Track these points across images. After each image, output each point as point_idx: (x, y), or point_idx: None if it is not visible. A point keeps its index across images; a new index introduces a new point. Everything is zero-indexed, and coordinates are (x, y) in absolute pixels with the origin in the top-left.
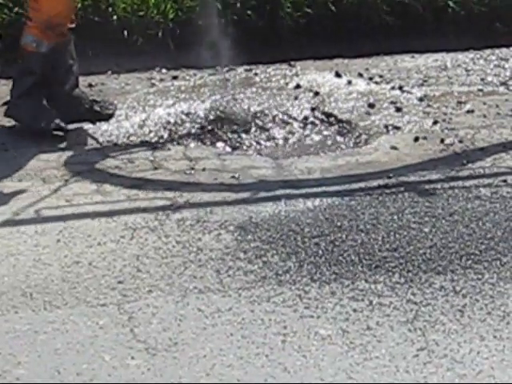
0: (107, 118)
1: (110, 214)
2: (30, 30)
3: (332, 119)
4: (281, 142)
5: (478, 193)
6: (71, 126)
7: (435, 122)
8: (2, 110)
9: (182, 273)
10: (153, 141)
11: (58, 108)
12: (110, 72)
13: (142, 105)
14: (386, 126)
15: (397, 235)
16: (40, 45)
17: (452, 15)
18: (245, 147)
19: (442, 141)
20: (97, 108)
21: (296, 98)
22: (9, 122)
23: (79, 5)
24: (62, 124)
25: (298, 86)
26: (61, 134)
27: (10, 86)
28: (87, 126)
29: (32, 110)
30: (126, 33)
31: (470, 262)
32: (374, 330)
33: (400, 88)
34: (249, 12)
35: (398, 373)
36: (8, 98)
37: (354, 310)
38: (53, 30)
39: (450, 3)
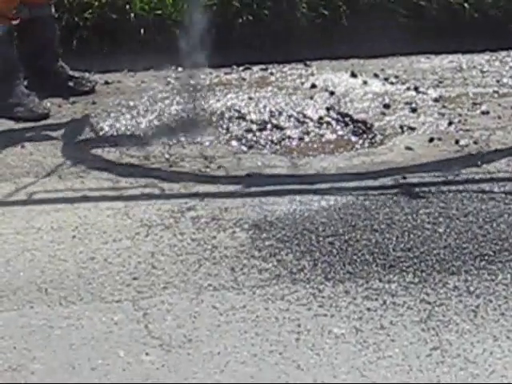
0: (81, 93)
1: (125, 210)
2: None
3: (347, 119)
4: (296, 141)
5: (493, 194)
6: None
7: (450, 123)
8: None
9: (197, 270)
10: (168, 138)
11: (33, 82)
12: (126, 70)
13: (158, 103)
14: (401, 127)
15: (411, 235)
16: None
17: (467, 17)
18: (260, 146)
19: (457, 142)
20: (70, 84)
21: (311, 98)
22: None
23: (96, 2)
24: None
25: (313, 86)
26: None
27: None
28: (103, 123)
29: (11, 98)
30: (142, 31)
31: (483, 262)
32: (387, 329)
33: (415, 89)
34: (265, 12)
35: (411, 372)
36: None
37: (368, 309)
38: (3, 17)
39: (465, 5)
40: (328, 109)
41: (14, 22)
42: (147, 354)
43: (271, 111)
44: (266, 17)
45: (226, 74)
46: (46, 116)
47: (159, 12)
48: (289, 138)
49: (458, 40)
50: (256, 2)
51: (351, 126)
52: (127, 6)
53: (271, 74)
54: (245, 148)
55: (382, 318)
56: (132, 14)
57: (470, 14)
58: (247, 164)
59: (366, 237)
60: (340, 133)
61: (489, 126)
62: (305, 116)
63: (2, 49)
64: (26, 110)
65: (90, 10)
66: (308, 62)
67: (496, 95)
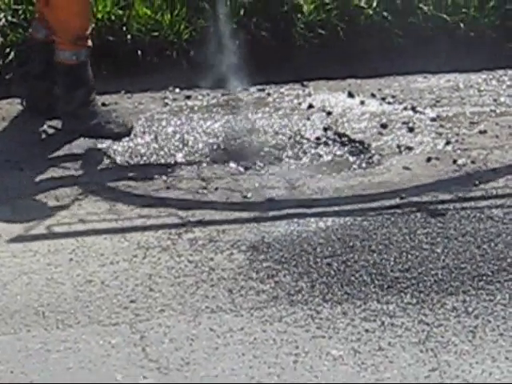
0: None
1: (122, 233)
2: (63, 45)
3: (345, 139)
4: (293, 161)
5: (491, 213)
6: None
7: (448, 143)
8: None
9: (195, 292)
10: (166, 160)
11: (33, 102)
12: (123, 91)
13: (155, 124)
14: (399, 147)
15: (409, 256)
16: (79, 55)
17: (464, 36)
18: (257, 167)
19: (455, 161)
20: None
21: (309, 118)
22: (21, 142)
23: (93, 25)
24: (129, 124)
25: (310, 106)
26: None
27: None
28: (101, 144)
29: (96, 118)
30: (139, 52)
31: (482, 282)
32: (385, 350)
33: (413, 108)
34: (263, 33)
35: None
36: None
37: (366, 331)
38: (83, 40)
39: (461, 25)
40: (325, 129)
41: (89, 43)
42: (145, 377)
43: (268, 132)
44: (264, 37)
45: (223, 94)
46: (133, 128)
47: (156, 33)
48: (286, 158)
49: (454, 59)
50: (253, 22)
51: (348, 146)
52: (124, 28)
53: (268, 94)
54: (242, 169)
55: (380, 340)
56: (129, 36)
57: (466, 34)
58: (244, 185)
59: (363, 257)
60: (337, 153)
61: (486, 145)
62: (302, 136)
63: (86, 73)
64: (118, 126)
65: None
66: (305, 83)
67: (493, 114)
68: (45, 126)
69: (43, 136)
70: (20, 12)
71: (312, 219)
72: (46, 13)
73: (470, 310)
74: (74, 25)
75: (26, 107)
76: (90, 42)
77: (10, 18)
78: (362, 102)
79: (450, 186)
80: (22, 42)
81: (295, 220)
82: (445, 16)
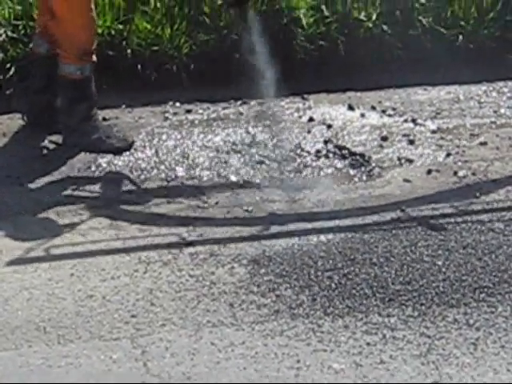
0: None
1: (123, 247)
2: (68, 59)
3: (345, 152)
4: (294, 175)
5: (492, 225)
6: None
7: (448, 155)
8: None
9: (196, 306)
10: (166, 174)
11: (33, 116)
12: (124, 106)
13: (156, 138)
14: (399, 159)
15: (410, 268)
16: (84, 70)
17: (463, 48)
18: (258, 180)
19: (455, 173)
20: None
21: (309, 132)
22: (15, 153)
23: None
24: (130, 138)
25: (311, 119)
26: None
27: (21, 119)
28: (102, 159)
29: (97, 133)
30: (140, 67)
31: (483, 294)
32: (387, 363)
33: (413, 121)
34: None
35: None
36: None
37: (368, 344)
38: (89, 55)
39: (460, 37)
40: (326, 142)
41: (94, 58)
42: None
43: (269, 145)
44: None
45: (223, 108)
46: (133, 143)
47: (156, 48)
48: (286, 171)
49: (454, 71)
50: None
51: (349, 159)
52: (124, 42)
53: (268, 107)
54: (242, 183)
55: (382, 353)
56: (129, 50)
57: (466, 46)
58: (245, 199)
59: (364, 270)
60: (338, 166)
61: (487, 157)
62: (302, 149)
63: (89, 88)
64: (118, 141)
65: None
66: (305, 96)
67: (494, 126)
68: (46, 142)
69: (44, 151)
70: (20, 27)
71: (313, 232)
72: (51, 26)
73: (472, 322)
74: (80, 38)
75: (26, 122)
76: (94, 58)
77: (10, 33)
78: (363, 115)
79: (451, 198)
80: (22, 57)
81: (296, 233)
82: (443, 29)
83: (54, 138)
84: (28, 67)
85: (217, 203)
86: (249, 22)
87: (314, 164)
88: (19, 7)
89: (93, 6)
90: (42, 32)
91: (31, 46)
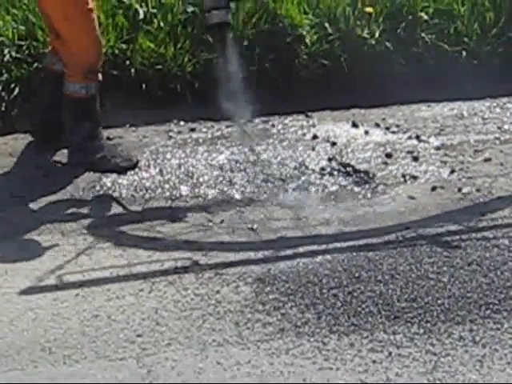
0: None
1: (128, 267)
2: (73, 78)
3: (349, 169)
4: (298, 192)
5: (496, 242)
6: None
7: (452, 171)
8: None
9: (201, 326)
10: (171, 193)
11: (41, 133)
12: (127, 125)
13: (160, 157)
14: (404, 176)
15: (415, 286)
16: (89, 89)
17: (466, 64)
18: (262, 198)
19: (460, 190)
20: None
21: (313, 149)
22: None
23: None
24: (134, 158)
25: (315, 137)
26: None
27: (25, 139)
28: (106, 178)
29: (101, 152)
30: (143, 86)
31: (488, 311)
32: (393, 381)
33: (417, 137)
34: (266, 65)
35: None
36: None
37: (373, 362)
38: (94, 73)
39: (463, 53)
40: (330, 159)
41: (99, 77)
42: None
43: (273, 163)
44: (267, 69)
45: (227, 126)
46: (138, 162)
47: (160, 67)
48: (291, 189)
49: (458, 87)
50: (257, 54)
51: (353, 177)
52: (127, 62)
53: (273, 125)
54: (247, 201)
55: (388, 370)
56: (132, 70)
57: (469, 62)
58: (250, 217)
59: (370, 288)
60: (342, 183)
61: (491, 173)
62: (306, 167)
63: (94, 107)
64: (124, 160)
65: None
66: (309, 113)
67: (498, 142)
68: (50, 161)
69: (48, 171)
70: (24, 48)
71: (318, 250)
72: (56, 46)
73: (478, 339)
74: (85, 58)
75: (34, 139)
76: (100, 77)
77: (14, 53)
78: (367, 132)
79: (456, 214)
80: (26, 77)
81: (301, 251)
82: (446, 46)
83: (59, 157)
84: (38, 84)
85: (221, 222)
86: (227, 48)
87: (318, 181)
88: (23, 27)
89: (97, 26)
90: (54, 50)
91: (44, 63)
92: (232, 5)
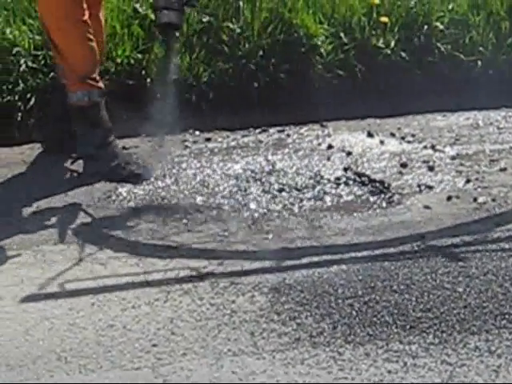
0: None
1: (143, 276)
2: (73, 87)
3: (365, 179)
4: (313, 202)
5: None
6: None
7: (468, 181)
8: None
9: (216, 335)
10: (186, 203)
11: (56, 143)
12: (143, 135)
13: (176, 167)
14: (419, 186)
15: (430, 295)
16: (91, 95)
17: (482, 74)
18: (278, 208)
19: (475, 199)
20: None
21: (328, 159)
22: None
23: (113, 69)
24: (148, 165)
25: (330, 147)
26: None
27: (41, 149)
28: (122, 188)
29: (116, 160)
30: (159, 95)
31: (504, 321)
32: None
33: (432, 147)
34: (281, 74)
35: None
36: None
37: (389, 372)
38: (92, 79)
39: (479, 62)
40: (345, 169)
41: (101, 85)
42: None
43: (288, 173)
44: (282, 79)
45: (243, 136)
46: (154, 171)
47: (175, 77)
48: (306, 199)
49: (473, 97)
50: (272, 64)
51: (369, 186)
52: (143, 72)
53: (288, 135)
54: (262, 210)
55: (403, 381)
56: (148, 80)
57: (485, 71)
58: (265, 227)
59: (385, 298)
60: (357, 193)
61: (507, 183)
62: (322, 177)
63: (99, 114)
64: (138, 168)
65: (107, 77)
66: (324, 123)
67: None
68: (66, 171)
69: (63, 180)
70: (40, 57)
71: (333, 260)
72: (55, 55)
73: (493, 349)
74: (80, 68)
75: (46, 150)
76: (101, 84)
77: (30, 63)
78: (382, 142)
79: (471, 224)
80: (42, 87)
81: (316, 261)
82: (461, 56)
83: (75, 167)
84: (50, 94)
85: (237, 231)
86: (170, 50)
87: (333, 191)
88: (39, 37)
89: (92, 36)
90: None
91: (55, 73)
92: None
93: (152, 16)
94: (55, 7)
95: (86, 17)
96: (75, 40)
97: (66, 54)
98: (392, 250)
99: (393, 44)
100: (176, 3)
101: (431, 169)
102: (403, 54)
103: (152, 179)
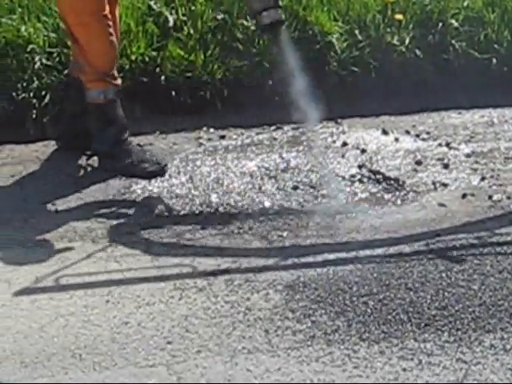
0: None
1: (158, 274)
2: (90, 85)
3: (379, 177)
4: (328, 199)
5: None
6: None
7: (483, 179)
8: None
9: (231, 333)
10: (200, 200)
11: (69, 141)
12: (158, 132)
13: (190, 164)
14: (434, 183)
15: (445, 293)
16: (107, 93)
17: (497, 71)
18: (292, 205)
19: (490, 197)
20: None
21: (343, 156)
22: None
23: (127, 66)
24: (162, 162)
25: (344, 144)
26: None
27: (56, 146)
28: (136, 185)
29: (130, 157)
30: (173, 93)
31: None
32: None
33: (447, 145)
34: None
35: None
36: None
37: (404, 370)
38: (110, 76)
39: (494, 60)
40: (360, 166)
41: (118, 82)
42: None
43: (303, 170)
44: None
45: (257, 133)
46: (167, 167)
47: (189, 74)
48: (321, 196)
49: (488, 94)
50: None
51: (383, 184)
52: (157, 69)
53: (302, 133)
54: (277, 208)
55: (418, 378)
56: (162, 77)
57: (500, 69)
58: (280, 224)
59: (400, 296)
60: (372, 190)
61: None
62: (337, 174)
63: (115, 112)
64: (152, 165)
65: (121, 74)
66: (339, 120)
67: None
68: (80, 168)
69: (78, 177)
70: (55, 55)
71: (348, 257)
72: (73, 50)
73: (509, 347)
74: (99, 64)
75: (60, 147)
76: (119, 81)
77: (44, 60)
78: (397, 139)
79: (486, 222)
80: (57, 84)
81: (331, 258)
82: (476, 53)
83: (90, 162)
84: (64, 91)
85: (251, 229)
86: (282, 46)
87: (348, 189)
88: (54, 35)
89: (112, 31)
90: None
91: (68, 70)
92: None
93: (166, 13)
94: (76, 1)
95: (107, 11)
96: (97, 35)
97: (86, 50)
98: (407, 247)
99: (407, 41)
100: (272, 0)
101: (446, 166)
102: (418, 52)
103: (166, 176)
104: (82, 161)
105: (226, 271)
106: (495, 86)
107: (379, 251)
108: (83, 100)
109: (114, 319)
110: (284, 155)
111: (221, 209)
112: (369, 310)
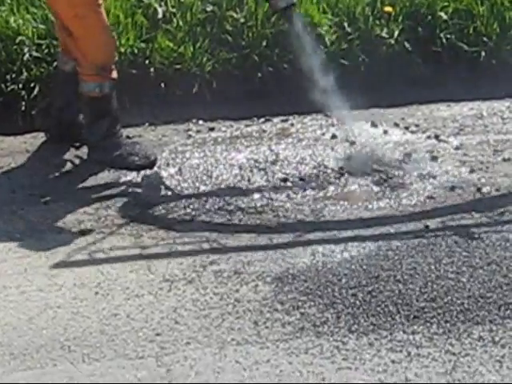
0: None
1: (147, 265)
2: (86, 77)
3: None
4: (317, 192)
5: None
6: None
7: (472, 171)
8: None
9: (220, 325)
10: (190, 192)
11: (56, 133)
12: (147, 124)
13: (179, 156)
14: (423, 176)
15: (434, 285)
16: (103, 87)
17: (486, 64)
18: (281, 197)
19: (479, 190)
20: None
21: (332, 149)
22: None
23: (116, 58)
24: (152, 156)
25: (334, 137)
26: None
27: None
28: (125, 177)
29: (119, 150)
30: (163, 85)
31: (508, 311)
32: (412, 381)
33: (436, 137)
34: (285, 64)
35: None
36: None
37: (393, 362)
38: (106, 70)
39: (483, 53)
40: (349, 159)
41: (114, 75)
42: None
43: (292, 162)
44: (286, 69)
45: (246, 126)
46: (156, 160)
47: (179, 66)
48: (310, 189)
49: (477, 87)
50: (276, 54)
51: (372, 176)
52: (147, 61)
53: (292, 125)
54: (266, 200)
55: (407, 370)
56: (152, 69)
57: (488, 61)
58: (269, 216)
59: (389, 288)
60: (361, 183)
61: (510, 173)
62: (326, 167)
63: (109, 105)
64: (141, 158)
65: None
66: (328, 113)
67: None
68: (69, 158)
69: (67, 169)
70: (44, 46)
71: (337, 250)
72: (68, 43)
73: (497, 339)
74: (97, 56)
75: (49, 139)
76: (114, 74)
77: (34, 52)
78: (386, 132)
79: (475, 214)
80: (46, 76)
81: (320, 251)
82: (465, 46)
83: (79, 153)
84: (52, 84)
85: (240, 221)
86: (295, 24)
87: (337, 181)
88: (43, 26)
89: (108, 24)
90: (64, 50)
91: (56, 63)
92: (252, 4)
93: (155, 5)
94: None
95: (101, 0)
96: (95, 26)
97: (83, 43)
98: (395, 239)
99: (396, 34)
100: None
101: (435, 159)
102: (407, 44)
103: (155, 169)
104: (71, 153)
105: (215, 263)
106: (484, 78)
107: (368, 243)
108: (68, 92)
109: (103, 311)
110: (273, 147)
111: (210, 200)
112: (358, 302)
